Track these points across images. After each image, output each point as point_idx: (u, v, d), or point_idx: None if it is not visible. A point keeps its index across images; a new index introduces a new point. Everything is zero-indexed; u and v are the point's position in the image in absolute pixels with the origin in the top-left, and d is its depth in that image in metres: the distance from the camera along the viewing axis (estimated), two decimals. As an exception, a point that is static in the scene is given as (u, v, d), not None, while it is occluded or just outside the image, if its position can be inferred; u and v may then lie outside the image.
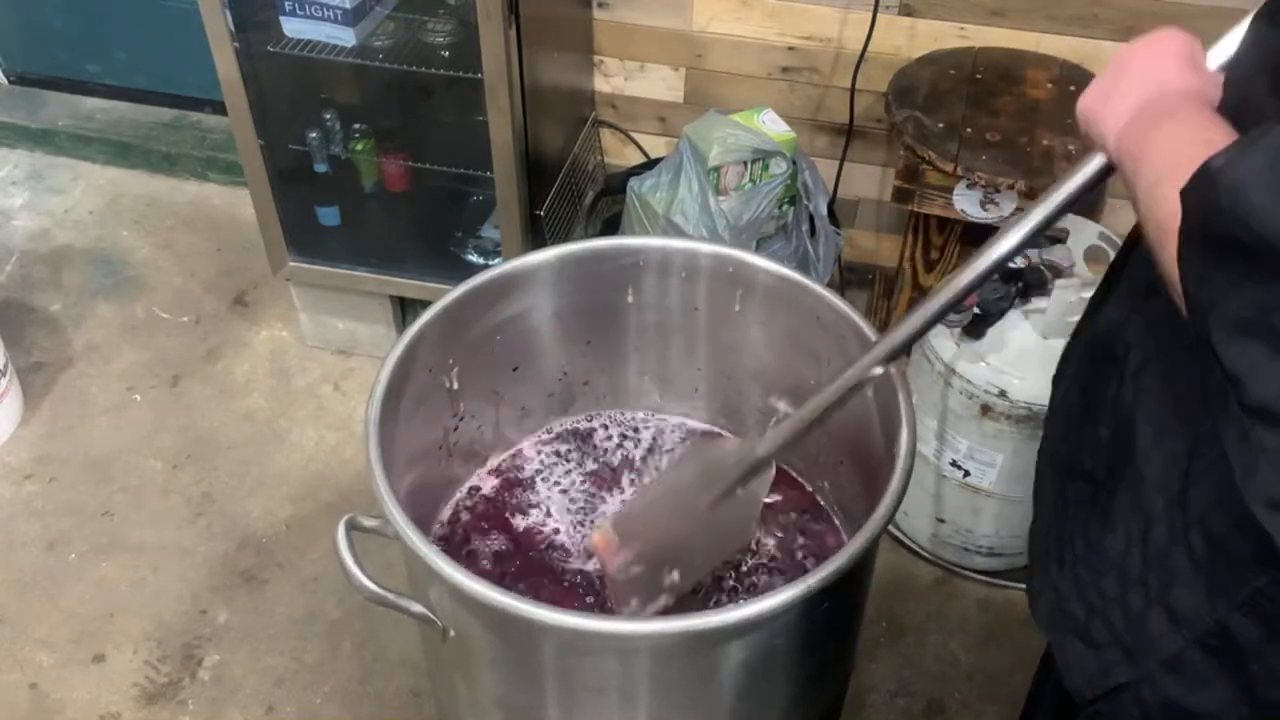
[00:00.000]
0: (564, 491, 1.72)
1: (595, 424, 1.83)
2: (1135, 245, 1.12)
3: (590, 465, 1.76)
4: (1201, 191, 0.75)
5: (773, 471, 1.47)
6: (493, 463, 1.76)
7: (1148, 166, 0.88)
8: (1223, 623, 0.89)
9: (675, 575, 1.46)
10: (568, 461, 1.77)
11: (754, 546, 1.63)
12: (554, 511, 1.69)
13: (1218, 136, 0.83)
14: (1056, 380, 1.23)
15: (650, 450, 1.80)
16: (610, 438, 1.81)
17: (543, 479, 1.74)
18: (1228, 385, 0.74)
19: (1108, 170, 1.03)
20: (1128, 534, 0.97)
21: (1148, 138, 0.91)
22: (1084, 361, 1.15)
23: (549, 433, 1.81)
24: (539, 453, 1.78)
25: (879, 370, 1.26)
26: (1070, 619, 1.04)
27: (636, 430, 1.83)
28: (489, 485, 1.73)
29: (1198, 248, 0.76)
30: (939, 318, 1.20)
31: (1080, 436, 1.10)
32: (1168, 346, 0.97)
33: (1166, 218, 0.80)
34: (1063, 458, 1.15)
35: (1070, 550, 1.05)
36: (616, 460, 1.77)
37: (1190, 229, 0.77)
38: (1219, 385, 0.75)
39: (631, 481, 1.74)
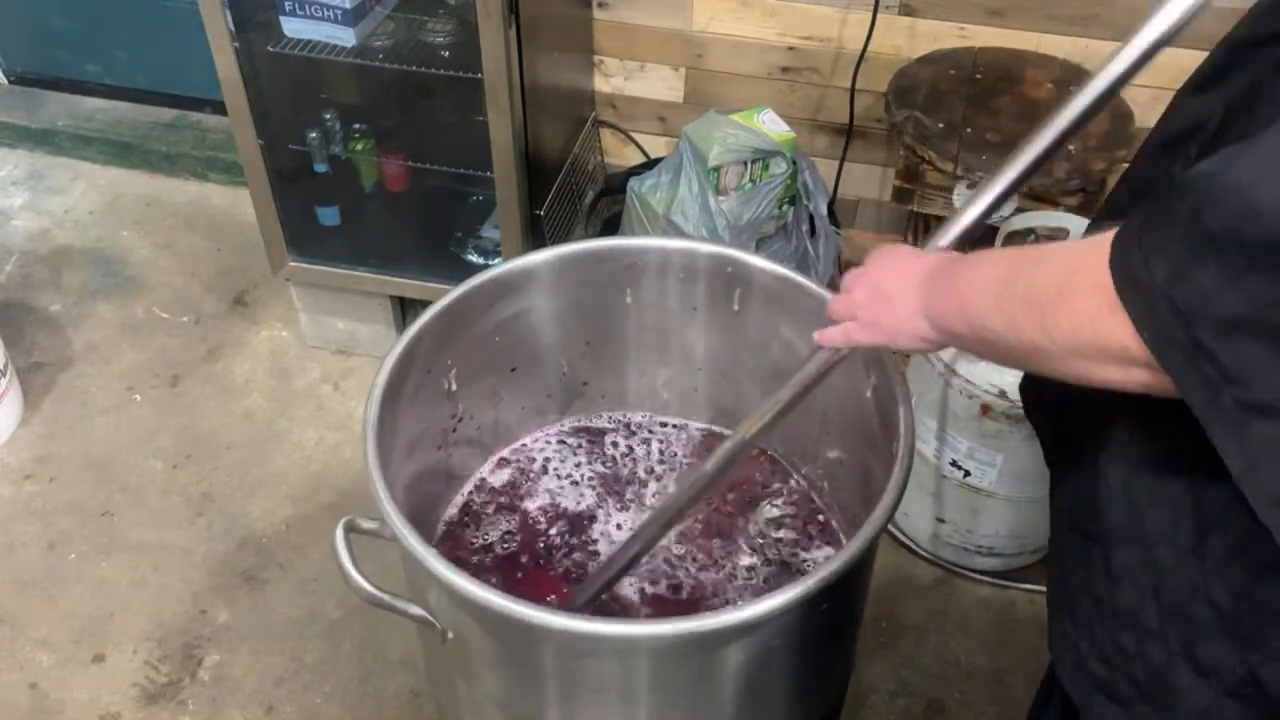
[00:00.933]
0: (563, 492, 1.72)
1: (594, 424, 1.83)
2: None
3: (590, 465, 1.76)
4: (1192, 198, 0.74)
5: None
6: (492, 463, 1.76)
7: (977, 298, 0.92)
8: (1254, 672, 0.87)
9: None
10: (568, 462, 1.77)
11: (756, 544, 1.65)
12: (554, 511, 1.69)
13: (1011, 254, 0.90)
14: (1036, 412, 1.22)
15: (651, 451, 1.80)
16: (609, 437, 1.81)
17: (542, 478, 1.74)
18: (1223, 383, 0.73)
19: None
20: (1138, 589, 0.94)
21: (955, 288, 0.96)
22: (1039, 412, 1.14)
23: (549, 433, 1.81)
24: (539, 453, 1.78)
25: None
26: (1092, 676, 1.02)
27: (636, 430, 1.83)
28: (488, 486, 1.73)
29: (1174, 248, 0.75)
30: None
31: (1063, 485, 1.08)
32: (1132, 410, 0.94)
33: (1049, 288, 0.82)
34: (1057, 507, 1.12)
35: (1078, 605, 1.02)
36: (616, 460, 1.77)
37: (1165, 237, 0.76)
38: (1207, 388, 0.74)
39: (631, 481, 1.74)
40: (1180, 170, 0.92)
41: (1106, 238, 0.79)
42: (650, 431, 1.83)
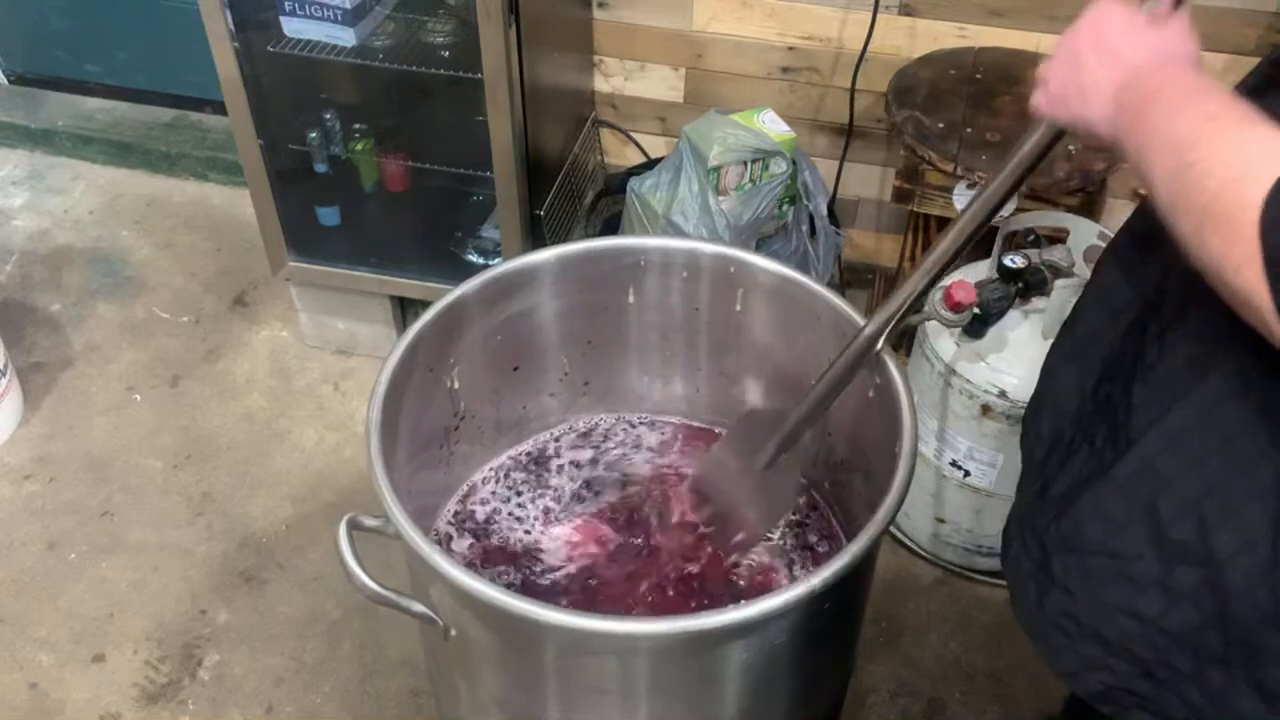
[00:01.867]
0: (564, 491, 1.72)
1: (595, 424, 1.83)
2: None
3: (590, 465, 1.76)
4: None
5: (807, 438, 1.51)
6: (493, 463, 1.76)
7: (1157, 154, 0.85)
8: None
9: (740, 536, 1.56)
10: (568, 461, 1.77)
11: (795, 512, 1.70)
12: (554, 511, 1.69)
13: (1214, 104, 0.82)
14: (1028, 438, 1.17)
15: (651, 450, 1.80)
16: (610, 437, 1.81)
17: (542, 476, 1.74)
18: None
19: (1058, 135, 1.07)
20: (1198, 610, 0.91)
21: (1142, 122, 0.88)
22: (1074, 425, 1.08)
23: (550, 432, 1.81)
24: (539, 452, 1.78)
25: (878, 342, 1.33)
26: (1134, 694, 0.98)
27: (637, 430, 1.83)
28: (489, 485, 1.73)
29: None
30: (934, 279, 1.27)
31: (1071, 506, 1.03)
32: (1215, 406, 0.90)
33: (1208, 205, 0.77)
34: (1039, 530, 1.07)
35: (1113, 627, 0.97)
36: (617, 460, 1.77)
37: None
38: None
39: (631, 480, 1.74)
40: None
41: (1268, 178, 0.73)
42: (651, 431, 1.83)
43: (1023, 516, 1.13)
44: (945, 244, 1.26)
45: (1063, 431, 1.09)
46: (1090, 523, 0.99)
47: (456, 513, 1.69)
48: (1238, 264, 0.75)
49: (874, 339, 1.36)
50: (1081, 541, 1.00)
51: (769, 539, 1.65)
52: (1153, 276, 0.99)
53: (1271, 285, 0.73)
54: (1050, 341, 1.93)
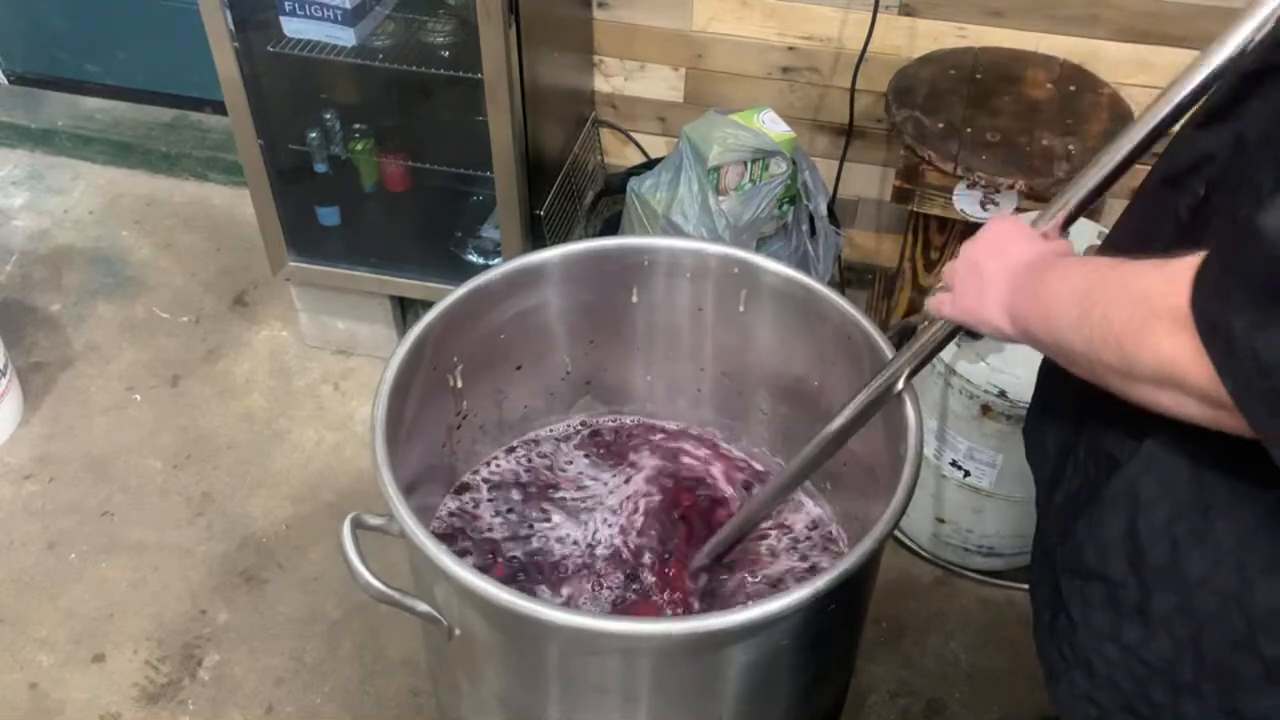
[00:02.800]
0: (563, 491, 1.72)
1: (597, 423, 1.83)
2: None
3: (591, 465, 1.76)
4: (1254, 243, 0.73)
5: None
6: (495, 462, 1.76)
7: (1059, 311, 0.91)
8: None
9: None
10: (569, 460, 1.77)
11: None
12: (553, 510, 1.69)
13: (1100, 264, 0.89)
14: (1033, 455, 1.17)
15: (654, 450, 1.80)
16: (611, 437, 1.81)
17: (543, 475, 1.74)
18: None
19: (955, 332, 1.21)
20: (1174, 639, 0.90)
21: (1038, 295, 0.96)
22: (1070, 446, 1.08)
23: (552, 431, 1.81)
24: (541, 451, 1.78)
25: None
26: None
27: (639, 430, 1.83)
28: (491, 484, 1.73)
29: (1251, 297, 0.73)
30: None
31: (1072, 528, 1.02)
32: (1189, 429, 0.90)
33: (1123, 324, 0.82)
34: (1049, 549, 1.07)
35: (1100, 656, 0.97)
36: (618, 460, 1.77)
37: (1243, 285, 0.74)
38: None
39: (630, 481, 1.74)
40: (1186, 207, 0.93)
41: (1183, 273, 0.78)
42: (653, 431, 1.83)
43: (1039, 538, 1.13)
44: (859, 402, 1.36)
45: (1062, 444, 1.09)
46: (1087, 547, 0.99)
47: (457, 512, 1.69)
48: (1174, 356, 0.78)
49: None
50: (1081, 566, 0.99)
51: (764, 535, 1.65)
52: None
53: (1209, 348, 0.76)
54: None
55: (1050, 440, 1.12)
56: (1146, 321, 0.80)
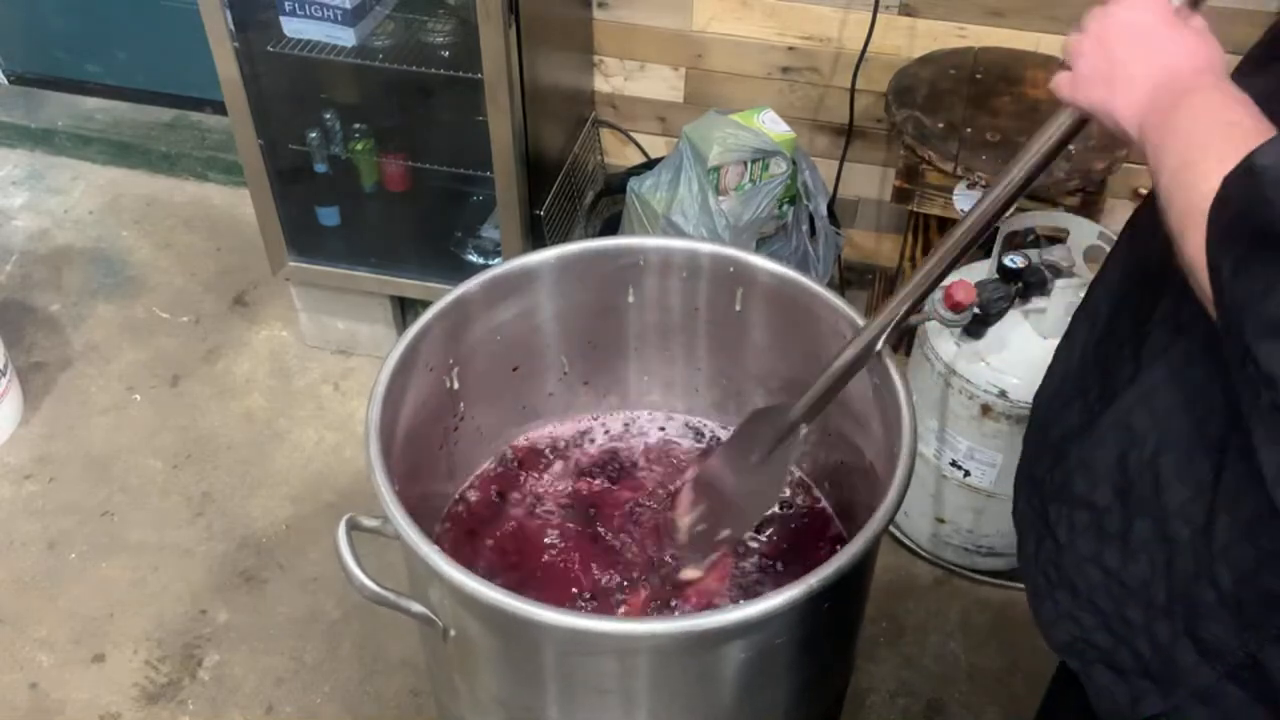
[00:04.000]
0: (563, 491, 1.72)
1: (595, 424, 1.83)
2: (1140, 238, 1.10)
3: (590, 464, 1.76)
4: (1245, 187, 0.74)
5: (802, 433, 1.49)
6: (492, 463, 1.76)
7: (1170, 152, 0.85)
8: (1254, 656, 0.87)
9: (726, 531, 1.55)
10: (567, 461, 1.77)
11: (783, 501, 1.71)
12: (553, 510, 1.69)
13: (1241, 115, 0.82)
14: (1039, 396, 1.20)
15: (650, 450, 1.80)
16: (610, 437, 1.81)
17: (542, 478, 1.74)
18: (1261, 386, 0.73)
19: (1081, 123, 1.05)
20: (1150, 562, 0.94)
21: (1168, 122, 0.87)
22: (1075, 380, 1.12)
23: (549, 432, 1.81)
24: (539, 452, 1.78)
25: (881, 342, 1.34)
26: (1095, 648, 1.01)
27: (636, 430, 1.83)
28: (489, 485, 1.73)
29: (1233, 242, 0.75)
30: (942, 274, 1.27)
31: (1065, 457, 1.06)
32: (1185, 366, 0.94)
33: (1192, 204, 0.79)
34: (1038, 479, 1.11)
35: (1083, 578, 1.02)
36: (615, 459, 1.77)
37: (1228, 222, 0.75)
38: (1250, 387, 0.74)
39: (630, 481, 1.74)
40: None
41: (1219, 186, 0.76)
42: (650, 431, 1.83)
43: (1027, 467, 1.17)
44: (957, 236, 1.24)
45: (1066, 384, 1.13)
46: (1076, 475, 1.03)
47: (454, 512, 1.69)
48: (1199, 262, 0.79)
49: (880, 332, 1.35)
50: (1070, 493, 1.04)
51: (758, 537, 1.65)
52: (1161, 238, 0.98)
53: (1212, 285, 0.76)
54: (1050, 341, 1.94)
55: (1056, 380, 1.16)
56: (1191, 219, 0.79)
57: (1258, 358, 0.72)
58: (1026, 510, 1.14)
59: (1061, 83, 1.03)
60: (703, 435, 1.82)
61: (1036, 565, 1.09)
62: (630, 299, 1.69)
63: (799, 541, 1.66)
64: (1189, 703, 0.93)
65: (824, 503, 1.71)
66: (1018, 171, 1.15)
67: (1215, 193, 0.76)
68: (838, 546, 1.65)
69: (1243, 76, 0.96)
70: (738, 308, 1.65)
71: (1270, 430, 0.74)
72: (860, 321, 1.48)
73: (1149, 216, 1.06)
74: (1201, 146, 0.81)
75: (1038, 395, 1.21)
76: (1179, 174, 0.82)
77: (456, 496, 1.71)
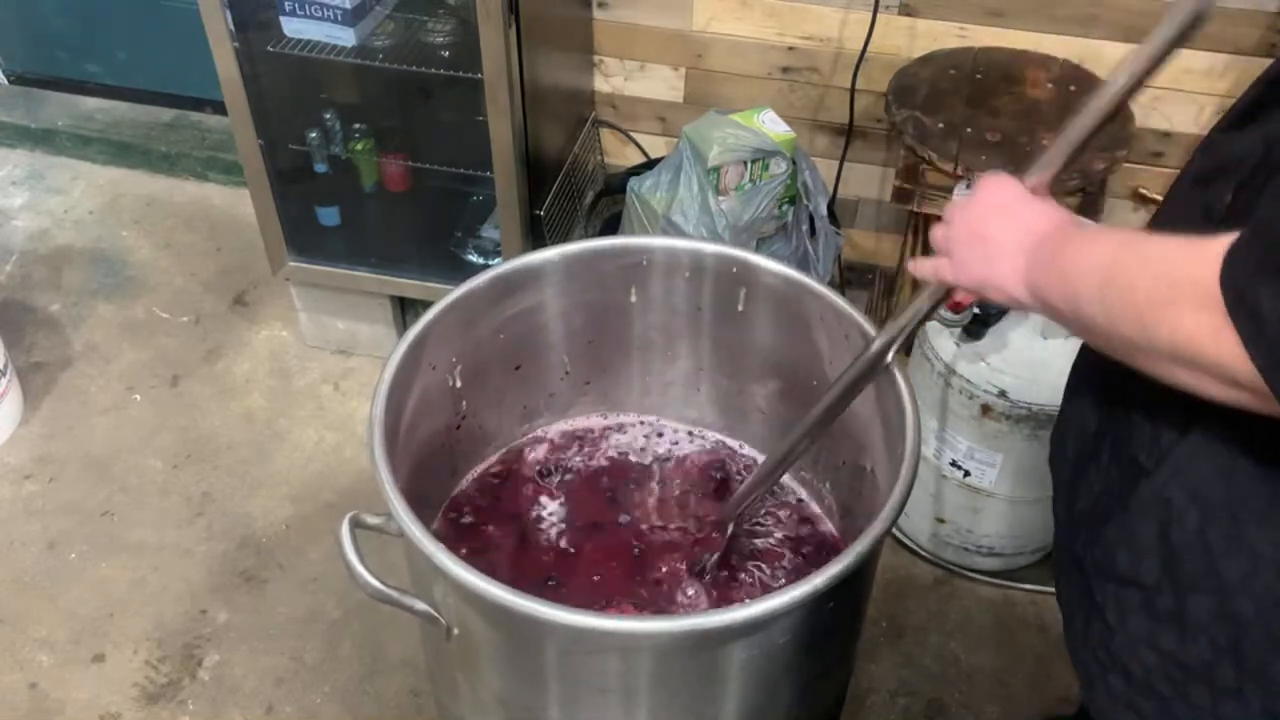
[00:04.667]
0: (564, 491, 1.72)
1: (596, 423, 1.83)
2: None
3: (591, 464, 1.76)
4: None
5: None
6: (493, 462, 1.76)
7: (1080, 283, 0.89)
8: None
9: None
10: (568, 461, 1.77)
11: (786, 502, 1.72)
12: (554, 510, 1.69)
13: (1122, 233, 0.88)
14: (1055, 460, 1.16)
15: (652, 450, 1.80)
16: (611, 437, 1.81)
17: (543, 478, 1.74)
18: None
19: (949, 294, 1.18)
20: (1213, 643, 0.91)
21: (1058, 265, 0.94)
22: (1092, 451, 1.08)
23: (550, 432, 1.81)
24: (540, 452, 1.78)
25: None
26: None
27: (637, 430, 1.83)
28: (489, 484, 1.73)
29: (1268, 274, 0.73)
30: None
31: (1101, 534, 1.02)
32: (1203, 444, 0.91)
33: (1172, 284, 0.80)
34: (1077, 555, 1.07)
35: (1138, 662, 0.97)
36: (616, 459, 1.77)
37: (1259, 260, 0.74)
38: None
39: (632, 481, 1.74)
40: (1215, 208, 0.92)
41: (1213, 250, 0.77)
42: (652, 431, 1.83)
43: (1062, 543, 1.13)
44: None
45: (1083, 449, 1.09)
46: (1119, 553, 0.99)
47: (456, 511, 1.69)
48: (1194, 332, 0.78)
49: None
50: (1114, 571, 0.99)
51: (760, 537, 1.65)
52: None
53: (1239, 325, 0.75)
54: (1050, 342, 1.94)
55: (1071, 446, 1.12)
56: (1169, 296, 0.80)
57: None
58: (1071, 588, 1.09)
59: (939, 269, 1.13)
60: (704, 437, 1.82)
61: (1086, 647, 1.05)
62: (633, 299, 1.69)
63: (802, 542, 1.66)
64: None
65: (825, 503, 1.71)
66: (878, 345, 1.31)
67: (1223, 252, 0.76)
68: (839, 547, 1.65)
69: (1222, 131, 0.97)
70: (740, 308, 1.65)
71: None
72: (863, 322, 1.48)
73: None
74: (1111, 260, 0.86)
75: (1055, 464, 1.17)
76: (1106, 290, 0.85)
77: (457, 495, 1.71)
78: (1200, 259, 0.77)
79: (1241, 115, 0.95)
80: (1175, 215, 0.99)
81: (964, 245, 1.08)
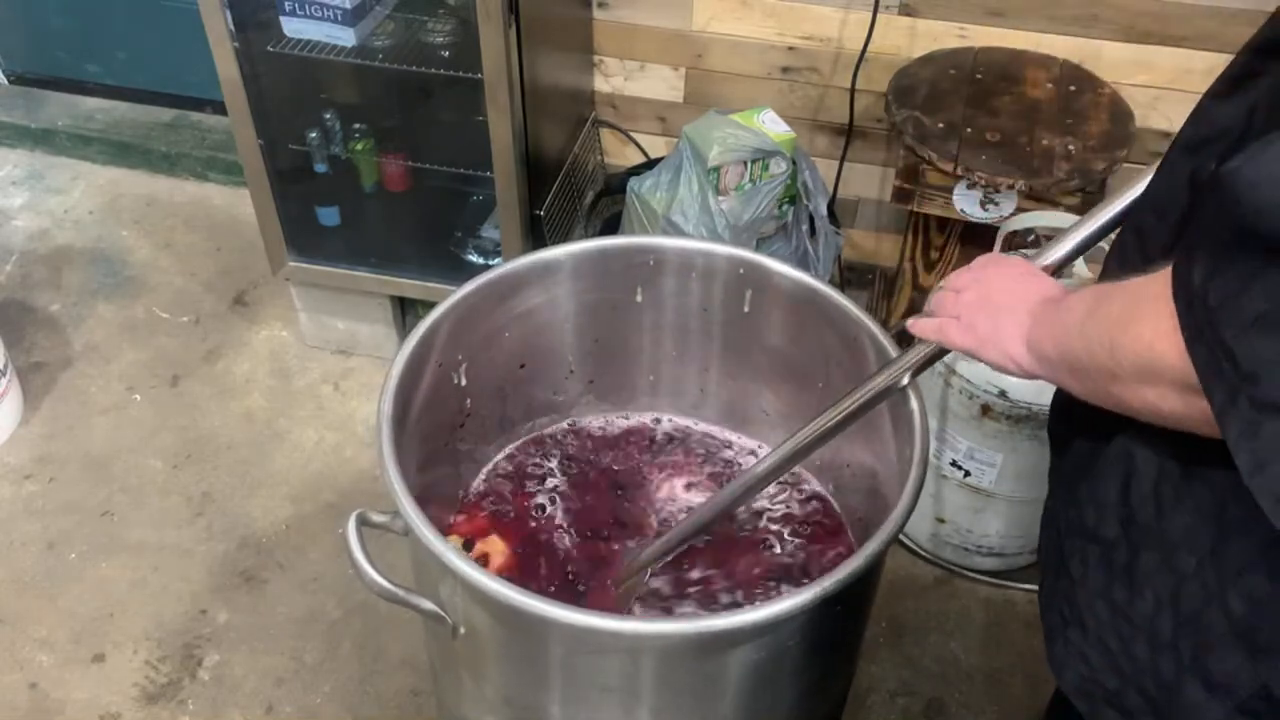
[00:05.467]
0: (566, 491, 1.72)
1: (599, 423, 1.83)
2: None
3: (593, 464, 1.76)
4: (1219, 193, 0.75)
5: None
6: (497, 460, 1.76)
7: (1072, 318, 0.95)
8: (1267, 686, 0.86)
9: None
10: (570, 460, 1.77)
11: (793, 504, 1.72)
12: (556, 509, 1.69)
13: (1103, 289, 0.92)
14: (1052, 429, 1.20)
15: (654, 450, 1.80)
16: (614, 437, 1.81)
17: (545, 478, 1.74)
18: (1239, 382, 0.73)
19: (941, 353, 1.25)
20: (1156, 596, 0.93)
21: (1056, 320, 0.99)
22: (1073, 414, 1.12)
23: (554, 430, 1.81)
24: (542, 451, 1.78)
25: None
26: (1102, 689, 1.00)
27: (641, 430, 1.83)
28: (493, 482, 1.73)
29: (1201, 253, 0.77)
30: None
31: (1077, 491, 1.06)
32: None
33: (1120, 317, 0.85)
34: (1055, 514, 1.11)
35: (1092, 615, 1.01)
36: (620, 458, 1.77)
37: (1194, 242, 0.78)
38: (1226, 387, 0.75)
39: (635, 482, 1.74)
40: (1200, 176, 0.94)
41: (1171, 264, 0.80)
42: (655, 431, 1.83)
43: (1050, 502, 1.17)
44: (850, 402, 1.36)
45: (1073, 412, 1.12)
46: (1087, 509, 1.02)
47: (458, 509, 1.69)
48: (1151, 339, 0.81)
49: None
50: (1082, 528, 1.03)
51: (768, 540, 1.65)
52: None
53: (1178, 306, 0.78)
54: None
55: (1063, 411, 1.16)
56: (1135, 314, 0.84)
57: (1235, 354, 0.73)
58: (1047, 546, 1.14)
59: (946, 328, 1.17)
60: (709, 437, 1.82)
61: (1052, 602, 1.09)
62: (639, 298, 1.68)
63: (808, 544, 1.66)
64: None
65: (832, 506, 1.71)
66: (882, 380, 1.33)
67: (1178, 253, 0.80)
68: (845, 550, 1.65)
69: (1211, 99, 0.98)
70: (747, 309, 1.65)
71: (1245, 427, 0.74)
72: (875, 329, 1.48)
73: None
74: (1098, 297, 0.91)
75: (1050, 424, 1.21)
76: (1088, 322, 0.91)
77: (462, 493, 1.71)
78: (1164, 276, 0.81)
79: (1230, 82, 0.97)
80: (1164, 180, 1.01)
81: (973, 309, 1.13)
